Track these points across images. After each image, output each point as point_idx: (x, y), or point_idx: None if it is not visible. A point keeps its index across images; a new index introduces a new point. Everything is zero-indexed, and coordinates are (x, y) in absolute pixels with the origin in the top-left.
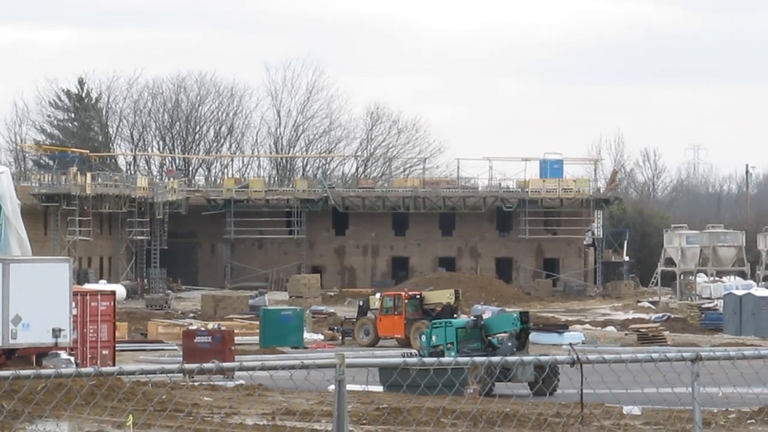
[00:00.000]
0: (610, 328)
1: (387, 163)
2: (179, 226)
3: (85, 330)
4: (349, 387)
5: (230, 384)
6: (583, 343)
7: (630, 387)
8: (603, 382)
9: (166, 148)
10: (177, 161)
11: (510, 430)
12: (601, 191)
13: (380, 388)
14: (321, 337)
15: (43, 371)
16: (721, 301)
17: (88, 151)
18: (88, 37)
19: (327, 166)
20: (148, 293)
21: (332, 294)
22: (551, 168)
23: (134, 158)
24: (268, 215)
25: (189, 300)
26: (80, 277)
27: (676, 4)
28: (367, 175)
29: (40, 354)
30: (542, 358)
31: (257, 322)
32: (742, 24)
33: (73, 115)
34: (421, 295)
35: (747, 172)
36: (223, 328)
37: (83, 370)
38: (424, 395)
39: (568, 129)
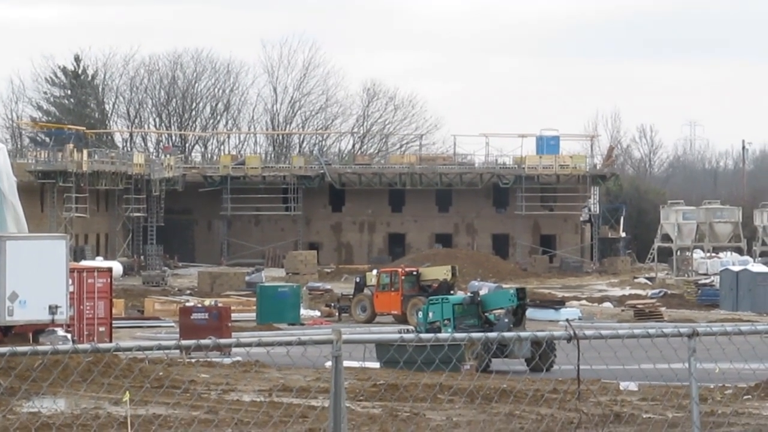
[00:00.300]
0: (607, 304)
1: (383, 140)
2: (176, 202)
3: (81, 307)
4: (346, 363)
5: (227, 360)
6: (579, 319)
7: (627, 363)
8: (600, 358)
9: (163, 125)
10: (173, 138)
11: (507, 406)
12: (598, 167)
13: (377, 365)
14: (318, 313)
15: (40, 348)
16: (718, 276)
17: (84, 128)
18: (85, 14)
19: (323, 142)
20: (144, 270)
21: (329, 270)
22: (548, 144)
23: (131, 135)
24: (264, 192)
25: (186, 277)
26: (77, 254)
27: None
28: (364, 151)
29: (36, 331)
30: (539, 334)
31: (254, 299)
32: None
33: (69, 92)
34: (417, 271)
35: (743, 147)
36: (219, 304)
37: (80, 346)
38: (421, 371)
39: (565, 105)
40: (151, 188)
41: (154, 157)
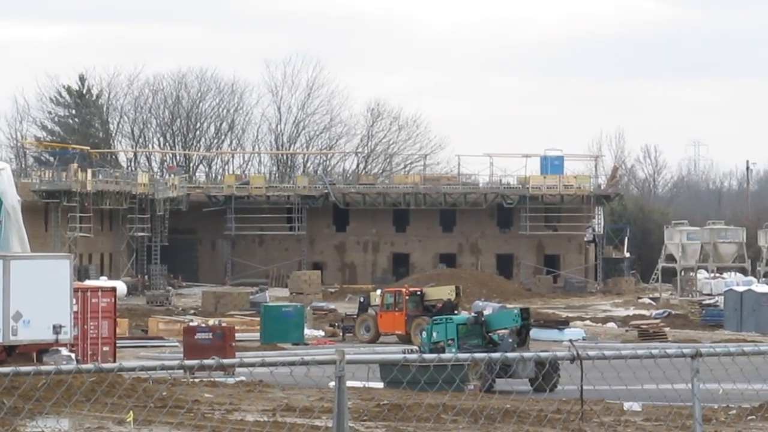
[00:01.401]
0: (611, 325)
1: (387, 160)
2: (180, 222)
3: (85, 326)
4: (350, 383)
5: (231, 380)
6: (583, 339)
7: (630, 383)
8: (603, 378)
9: (167, 144)
10: (178, 158)
11: (510, 426)
12: (602, 187)
13: (381, 385)
14: (321, 333)
15: (44, 368)
16: (722, 297)
17: (88, 148)
18: (89, 34)
19: (328, 162)
20: (148, 290)
21: (333, 290)
22: (552, 164)
23: (135, 155)
24: (268, 212)
25: (190, 296)
26: (81, 273)
27: (677, 0)
28: (368, 171)
29: (40, 350)
30: (542, 354)
31: (258, 319)
32: (741, 19)
33: (74, 111)
34: (421, 291)
35: (747, 168)
36: (223, 324)
37: (84, 366)
38: (425, 391)
39: (569, 125)
40: (155, 208)
41: (158, 177)
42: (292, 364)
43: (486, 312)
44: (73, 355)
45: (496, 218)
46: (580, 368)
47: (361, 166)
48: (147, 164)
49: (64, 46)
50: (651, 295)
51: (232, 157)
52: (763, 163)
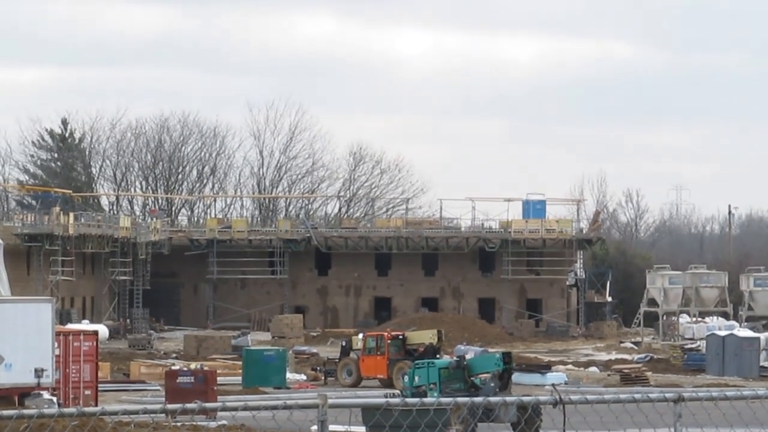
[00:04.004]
0: (593, 369)
1: (370, 204)
2: (162, 266)
3: (67, 370)
4: (332, 427)
5: (213, 424)
6: (565, 383)
7: (613, 428)
8: (586, 422)
9: (149, 188)
10: (160, 201)
11: None
12: (584, 231)
13: (363, 429)
14: (304, 377)
15: (26, 411)
16: (704, 341)
17: (71, 191)
18: (72, 77)
19: (310, 206)
20: (130, 333)
21: (315, 334)
22: (534, 208)
23: (117, 198)
24: (250, 255)
25: (172, 340)
26: (63, 317)
27: (656, 45)
28: (350, 215)
29: (22, 394)
30: (525, 398)
31: (240, 363)
32: (722, 64)
33: (56, 155)
34: (403, 335)
35: (730, 212)
36: (205, 368)
37: (66, 410)
38: None
39: (551, 169)
40: (138, 251)
41: (140, 221)
42: (275, 408)
43: (468, 356)
44: (54, 399)
45: (478, 262)
46: (562, 412)
47: (343, 209)
48: (129, 208)
49: (47, 89)
50: (633, 340)
51: (214, 200)
52: (744, 207)
